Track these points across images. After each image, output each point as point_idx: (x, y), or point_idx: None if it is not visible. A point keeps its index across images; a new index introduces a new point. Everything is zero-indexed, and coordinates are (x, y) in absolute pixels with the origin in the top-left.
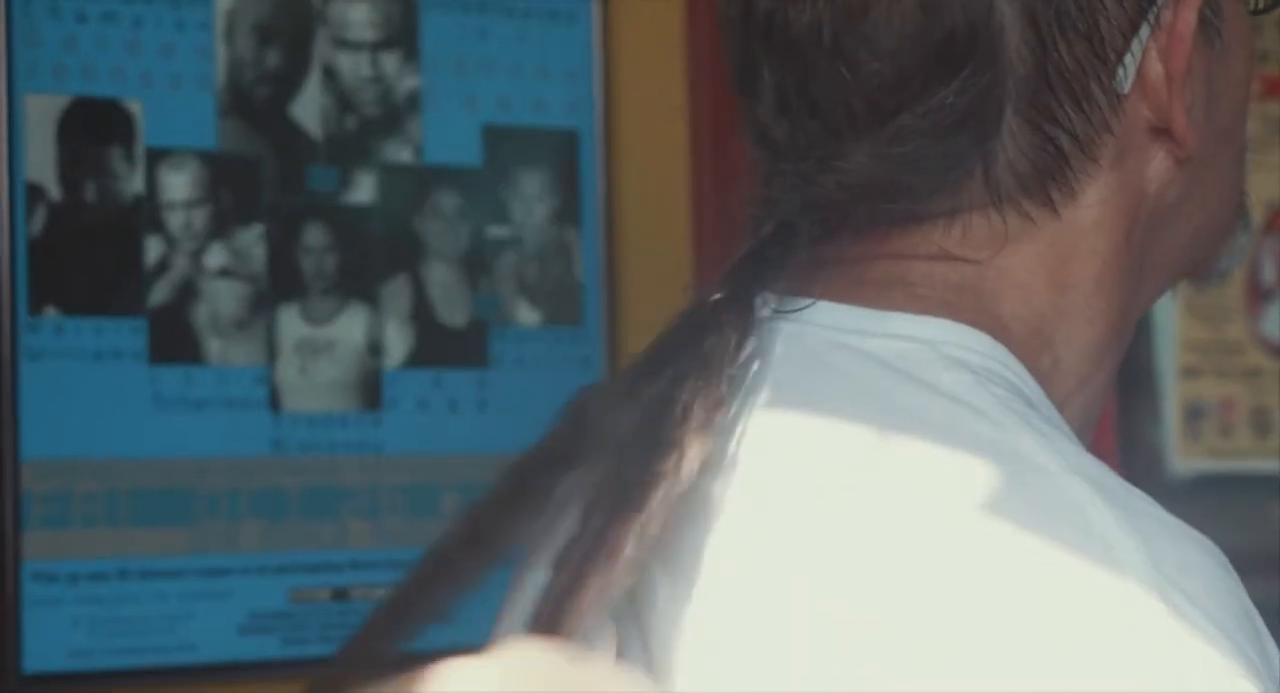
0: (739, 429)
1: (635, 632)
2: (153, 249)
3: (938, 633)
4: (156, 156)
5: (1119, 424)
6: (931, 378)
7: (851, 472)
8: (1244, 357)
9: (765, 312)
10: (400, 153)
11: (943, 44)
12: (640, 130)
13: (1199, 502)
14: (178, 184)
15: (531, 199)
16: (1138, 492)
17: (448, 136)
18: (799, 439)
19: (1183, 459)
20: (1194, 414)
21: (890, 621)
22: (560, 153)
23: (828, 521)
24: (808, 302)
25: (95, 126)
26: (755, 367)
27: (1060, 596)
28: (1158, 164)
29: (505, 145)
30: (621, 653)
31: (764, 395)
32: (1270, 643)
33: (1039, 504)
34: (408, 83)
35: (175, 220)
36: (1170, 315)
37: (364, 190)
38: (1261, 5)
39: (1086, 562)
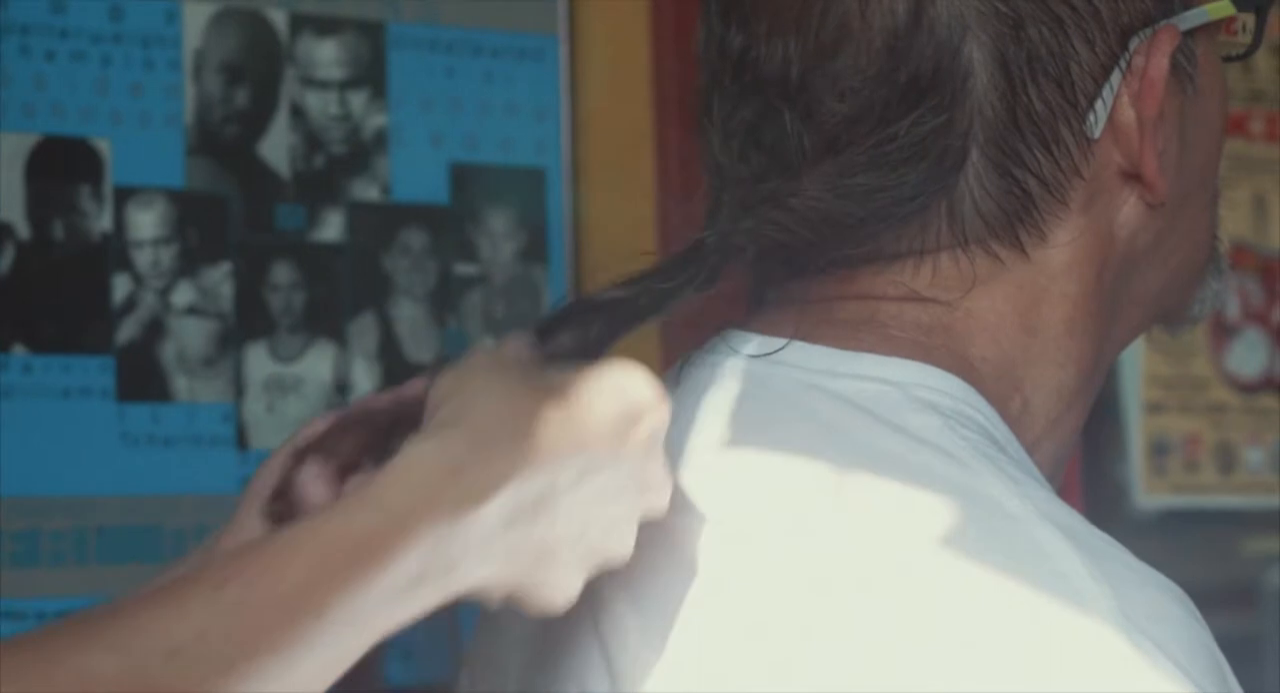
0: (708, 469)
1: (604, 670)
2: (120, 287)
3: (905, 679)
4: (124, 195)
5: (1083, 459)
6: (900, 421)
7: (819, 514)
8: (1209, 392)
9: (733, 352)
10: (368, 191)
11: (907, 85)
12: (607, 168)
13: (1164, 537)
14: (145, 222)
15: (499, 237)
16: (1107, 538)
17: (415, 175)
18: (767, 480)
19: (1147, 495)
20: (1159, 450)
21: (857, 666)
22: (528, 191)
23: (796, 564)
24: (778, 342)
25: (64, 165)
26: (723, 406)
27: (1028, 643)
28: (1129, 209)
29: (473, 183)
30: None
31: (733, 435)
32: (1237, 689)
33: (1007, 550)
34: (375, 121)
35: (143, 258)
36: (1135, 351)
37: (332, 228)
38: (1235, 53)
39: (1055, 609)
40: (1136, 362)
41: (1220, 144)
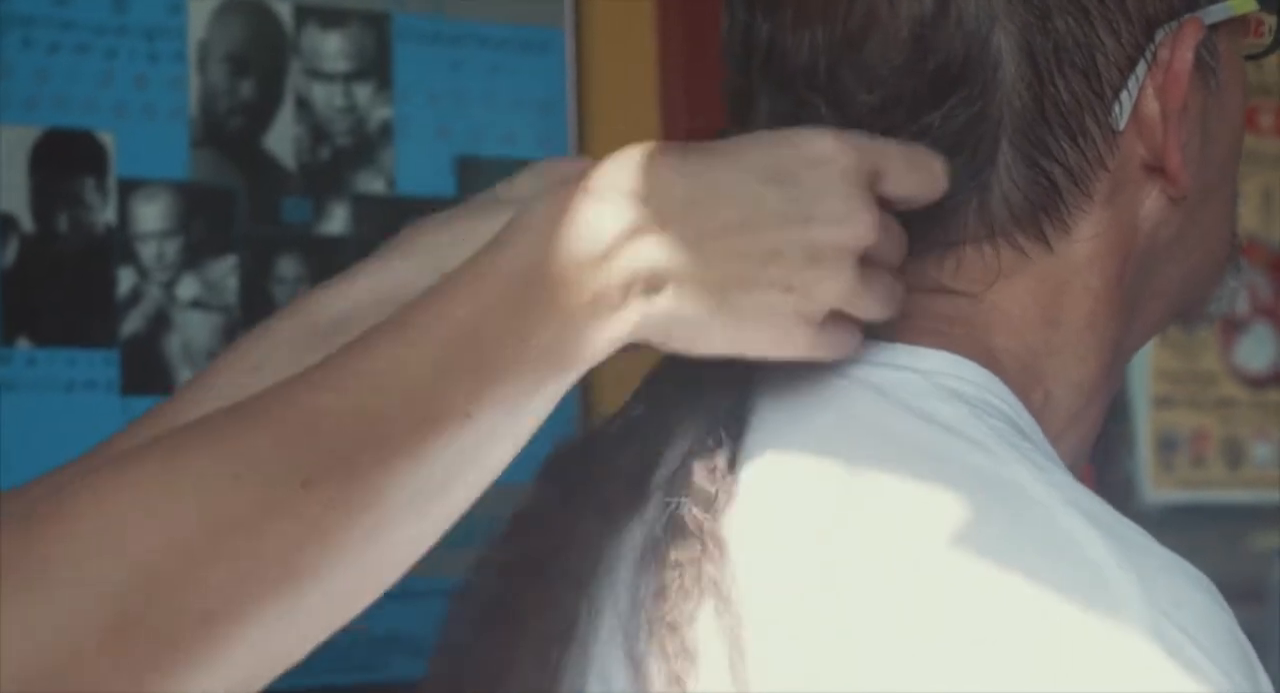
0: (739, 461)
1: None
2: (125, 280)
3: (934, 668)
4: (129, 187)
5: (1091, 454)
6: (928, 408)
7: (847, 503)
8: (1217, 387)
9: None
10: (373, 183)
11: (935, 74)
12: None
13: (1171, 533)
14: (150, 215)
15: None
16: (1132, 525)
17: (421, 167)
18: (796, 470)
19: (1155, 490)
20: (1167, 445)
21: (888, 655)
22: None
23: (824, 552)
24: None
25: (68, 157)
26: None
27: (1055, 629)
28: (1152, 202)
29: (478, 176)
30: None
31: (760, 421)
32: (1263, 675)
33: (1034, 537)
34: (381, 113)
35: (148, 251)
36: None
37: (337, 221)
38: (1256, 51)
39: (1082, 596)
40: (1145, 356)
41: (1240, 140)
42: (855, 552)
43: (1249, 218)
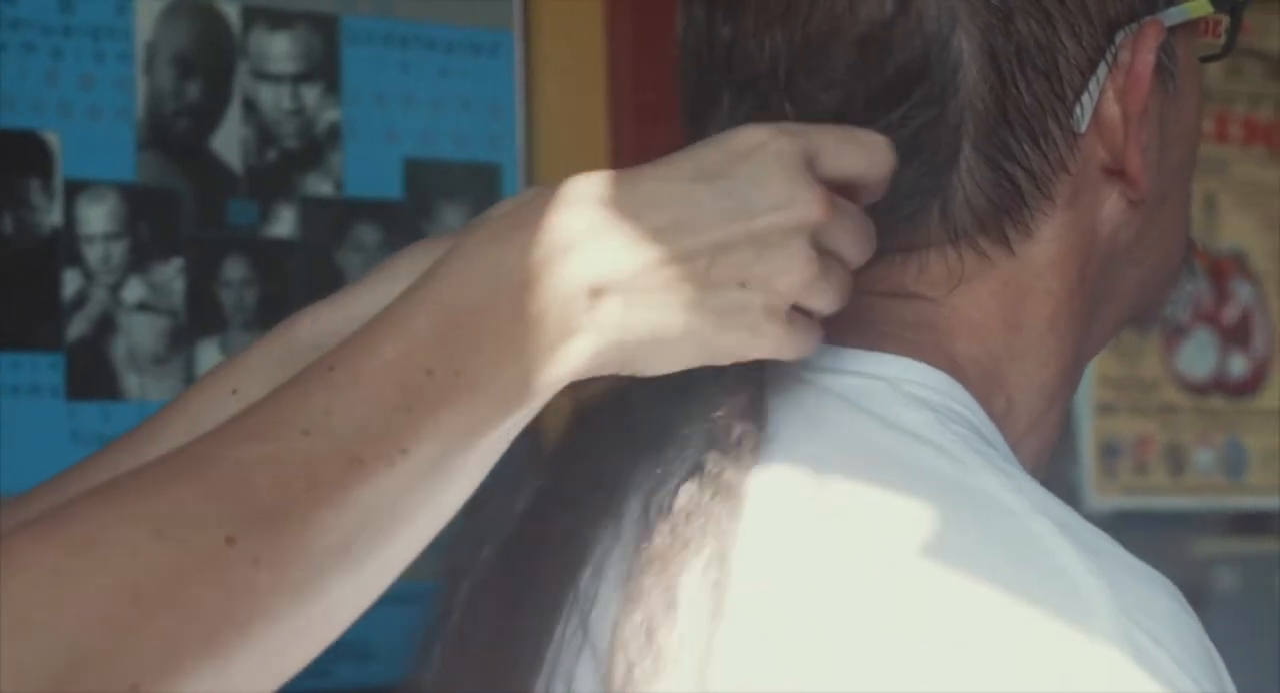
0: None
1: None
2: (70, 283)
3: (902, 676)
4: (75, 189)
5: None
6: (892, 415)
7: (812, 510)
8: (1159, 393)
9: None
10: (321, 186)
11: (895, 76)
12: (562, 164)
13: (1115, 539)
14: (96, 217)
15: (453, 232)
16: (1100, 532)
17: (369, 170)
18: (765, 478)
19: (1098, 496)
20: (1110, 451)
21: (852, 665)
22: (482, 187)
23: (788, 561)
24: None
25: (13, 158)
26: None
27: (1025, 636)
28: (1111, 206)
29: (427, 179)
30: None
31: None
32: (1230, 683)
33: (1004, 545)
34: (329, 116)
35: (93, 254)
36: None
37: (284, 224)
38: (1211, 53)
39: (1052, 603)
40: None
41: (1196, 143)
42: (829, 559)
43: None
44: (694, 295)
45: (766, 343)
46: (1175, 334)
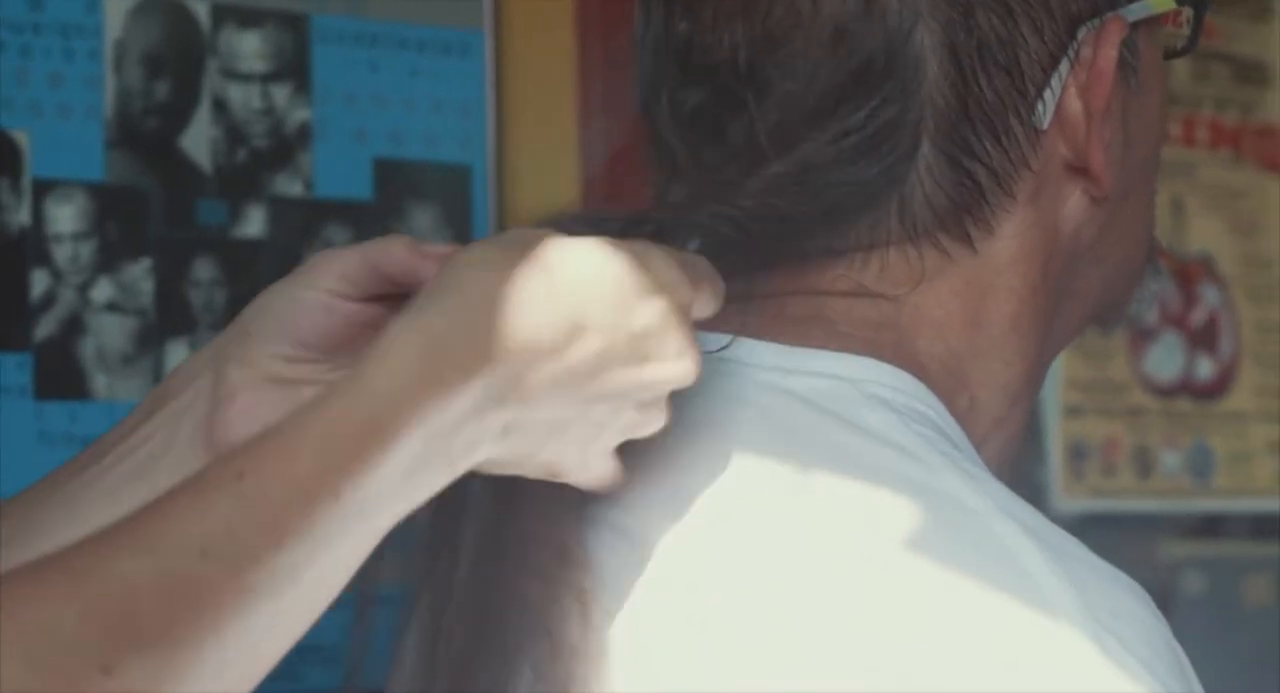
0: (660, 468)
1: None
2: (39, 282)
3: (869, 679)
4: (43, 188)
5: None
6: (856, 418)
7: (779, 514)
8: (1127, 396)
9: None
10: (291, 186)
11: (859, 70)
12: (533, 165)
13: (1083, 541)
14: (65, 216)
15: (424, 233)
16: (1065, 534)
17: (339, 170)
18: (725, 480)
19: (1066, 498)
20: (1077, 453)
21: (821, 668)
22: (452, 187)
23: (757, 566)
24: (724, 339)
25: None
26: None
27: (994, 641)
28: (1074, 203)
29: (397, 179)
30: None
31: (684, 434)
32: (1197, 684)
33: (970, 547)
34: (299, 115)
35: (62, 253)
36: None
37: (254, 224)
38: (1176, 48)
39: (1020, 606)
40: (1055, 365)
41: (1161, 141)
42: (798, 562)
43: (1157, 227)
44: (573, 432)
45: (593, 476)
46: (1143, 337)
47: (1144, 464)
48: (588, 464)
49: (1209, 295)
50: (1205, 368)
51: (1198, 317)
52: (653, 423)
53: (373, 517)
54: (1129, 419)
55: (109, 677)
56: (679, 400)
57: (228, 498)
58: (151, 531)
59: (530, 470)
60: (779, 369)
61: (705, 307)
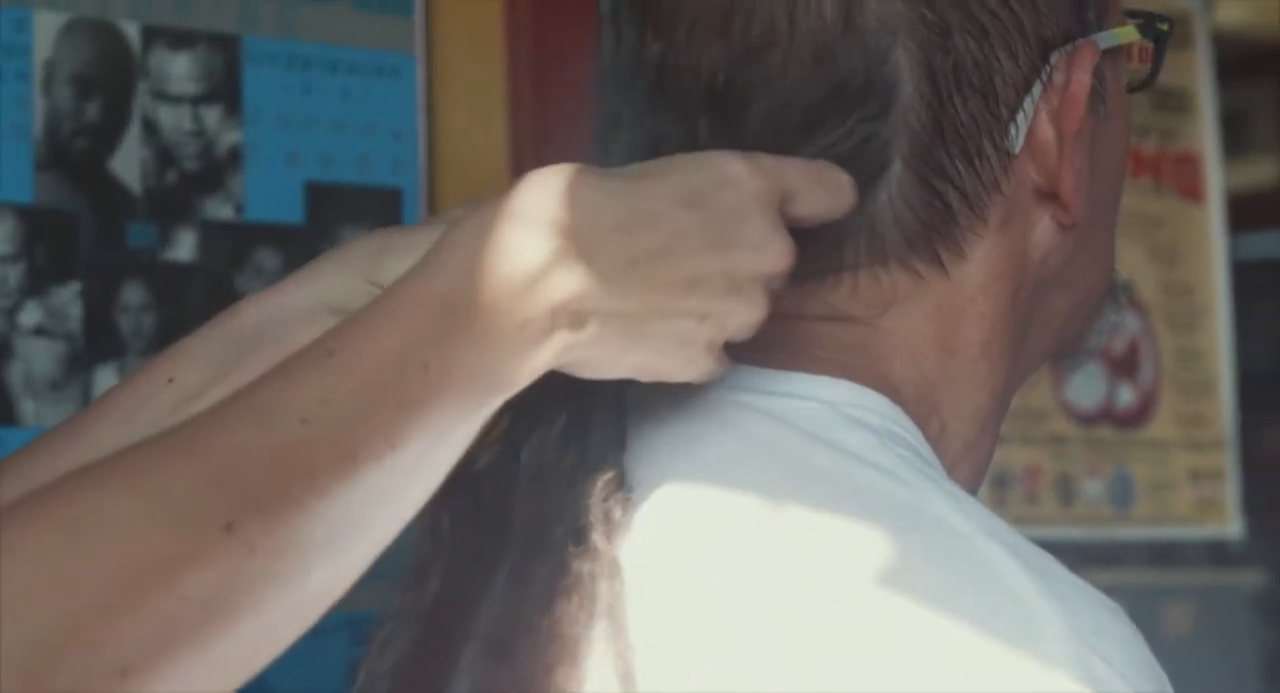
0: (639, 489)
1: None
2: None
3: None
4: None
5: None
6: (837, 439)
7: (761, 535)
8: (1049, 424)
9: None
10: (221, 209)
11: (835, 90)
12: (464, 189)
13: None
14: None
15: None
16: (1048, 555)
17: (270, 193)
18: (706, 501)
19: None
20: (1000, 481)
21: (810, 682)
22: (384, 210)
23: (739, 587)
24: None
25: None
26: (649, 425)
27: (981, 658)
28: (1043, 229)
29: (329, 202)
30: None
31: (664, 455)
32: None
33: (955, 567)
34: (229, 137)
35: None
36: None
37: (184, 248)
38: (1139, 82)
39: (1005, 625)
40: None
41: (1124, 169)
42: (766, 585)
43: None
44: (661, 324)
45: (695, 372)
46: (1064, 365)
47: (1066, 492)
48: (690, 361)
49: (1130, 323)
50: (1126, 396)
51: (1118, 345)
52: (754, 312)
53: (467, 391)
54: (1051, 447)
55: (230, 534)
56: (659, 422)
57: (319, 371)
58: (255, 403)
59: (624, 371)
60: (757, 390)
61: (812, 201)
